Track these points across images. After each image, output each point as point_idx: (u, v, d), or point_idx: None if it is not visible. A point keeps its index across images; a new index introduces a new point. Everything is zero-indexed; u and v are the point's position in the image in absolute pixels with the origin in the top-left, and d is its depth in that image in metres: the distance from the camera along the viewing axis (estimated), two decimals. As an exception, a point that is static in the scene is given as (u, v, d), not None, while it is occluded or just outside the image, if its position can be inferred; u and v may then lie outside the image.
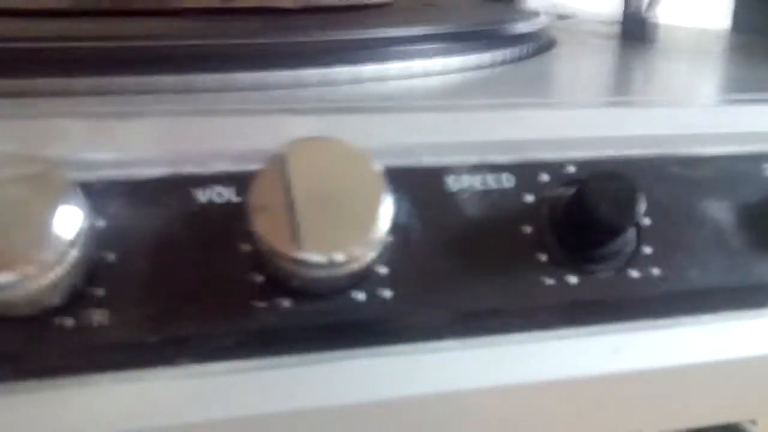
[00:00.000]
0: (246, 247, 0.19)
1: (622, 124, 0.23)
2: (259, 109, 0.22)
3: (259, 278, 0.19)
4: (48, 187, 0.17)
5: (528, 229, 0.20)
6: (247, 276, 0.19)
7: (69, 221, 0.17)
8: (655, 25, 0.44)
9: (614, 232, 0.20)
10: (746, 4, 0.60)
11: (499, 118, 0.22)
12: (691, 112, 0.24)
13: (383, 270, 0.19)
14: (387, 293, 0.19)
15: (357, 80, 0.27)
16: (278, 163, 0.18)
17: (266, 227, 0.17)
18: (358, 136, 0.21)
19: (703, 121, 0.23)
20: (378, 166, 0.18)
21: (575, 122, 0.23)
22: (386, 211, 0.18)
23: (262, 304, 0.19)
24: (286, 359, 0.19)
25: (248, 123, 0.21)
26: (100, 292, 0.18)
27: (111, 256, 0.18)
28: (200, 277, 0.19)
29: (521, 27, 0.36)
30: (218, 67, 0.25)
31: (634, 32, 0.44)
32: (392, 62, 0.28)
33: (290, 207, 0.17)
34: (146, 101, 0.23)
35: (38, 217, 0.16)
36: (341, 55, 0.27)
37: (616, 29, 0.46)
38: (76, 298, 0.18)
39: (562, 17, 0.61)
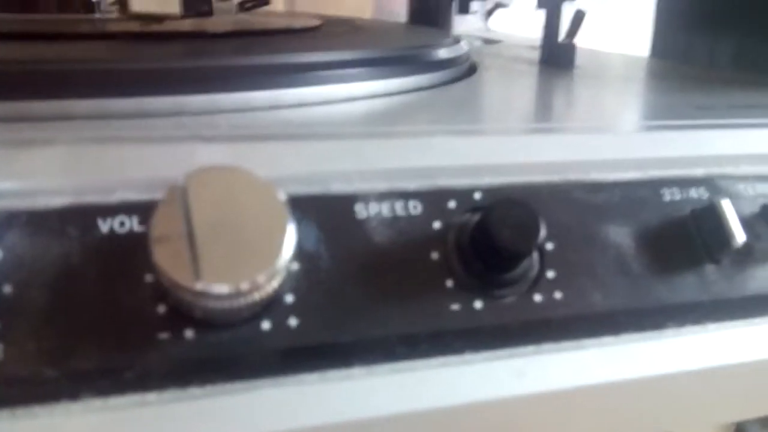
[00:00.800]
0: (149, 278, 0.19)
1: (528, 150, 0.24)
2: (166, 136, 0.22)
3: (162, 309, 0.19)
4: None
5: (435, 255, 0.21)
6: (150, 307, 0.18)
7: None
8: (575, 50, 0.45)
9: (516, 257, 0.20)
10: (664, 31, 0.62)
11: (409, 145, 0.23)
12: (594, 139, 0.24)
13: (289, 298, 0.19)
14: (293, 321, 0.19)
15: (274, 106, 0.27)
16: (178, 193, 0.18)
17: (166, 258, 0.17)
18: (266, 164, 0.21)
19: (605, 148, 0.24)
20: (282, 195, 0.18)
21: (484, 149, 0.23)
22: (289, 239, 0.18)
23: (165, 336, 0.18)
24: (192, 391, 0.18)
25: (154, 151, 0.21)
26: (-5, 325, 0.18)
27: (7, 289, 0.18)
28: (102, 308, 0.18)
29: (442, 53, 0.36)
30: (130, 92, 0.25)
31: (555, 57, 0.45)
32: (309, 87, 0.28)
33: (190, 237, 0.17)
34: (55, 128, 0.23)
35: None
36: (257, 80, 0.27)
37: (540, 54, 0.47)
38: (-30, 333, 0.17)
39: (488, 41, 0.62)
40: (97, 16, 0.44)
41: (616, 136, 0.25)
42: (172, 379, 0.18)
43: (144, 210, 0.19)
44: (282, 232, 0.17)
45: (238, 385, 0.19)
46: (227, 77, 0.27)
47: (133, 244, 0.19)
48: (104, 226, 0.19)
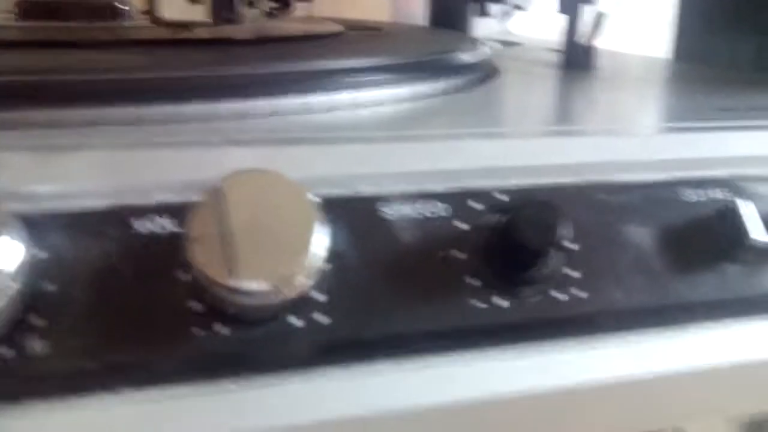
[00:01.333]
0: (185, 277, 0.19)
1: (552, 153, 0.24)
2: (200, 141, 0.22)
3: (198, 306, 0.19)
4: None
5: (461, 255, 0.21)
6: (186, 304, 0.19)
7: (10, 254, 0.17)
8: (596, 53, 0.45)
9: (538, 254, 0.21)
10: (687, 33, 0.62)
11: (434, 148, 0.23)
12: (615, 141, 0.25)
13: (320, 297, 0.20)
14: (324, 319, 0.20)
15: (303, 111, 0.28)
16: (215, 195, 0.18)
17: (203, 258, 0.18)
18: (296, 167, 0.22)
19: (626, 150, 0.25)
20: (312, 197, 0.19)
21: (508, 152, 0.24)
22: (320, 239, 0.18)
23: (200, 332, 0.19)
24: (225, 385, 0.19)
25: (189, 155, 0.22)
26: (40, 322, 0.18)
27: (51, 287, 0.19)
28: (140, 306, 0.19)
29: (465, 57, 0.37)
30: (164, 99, 0.26)
31: (576, 60, 0.45)
32: (337, 93, 0.29)
33: (226, 238, 0.18)
34: (91, 134, 0.24)
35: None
36: (286, 87, 0.28)
37: (560, 57, 0.48)
38: (16, 329, 0.18)
39: (508, 44, 0.62)
40: (127, 24, 0.45)
41: (637, 138, 0.25)
42: (206, 372, 0.19)
43: (179, 211, 0.20)
44: (313, 233, 0.18)
45: (268, 379, 0.19)
46: (257, 84, 0.27)
47: (169, 244, 0.20)
48: (141, 227, 0.20)
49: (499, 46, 0.61)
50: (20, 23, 0.43)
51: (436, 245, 0.21)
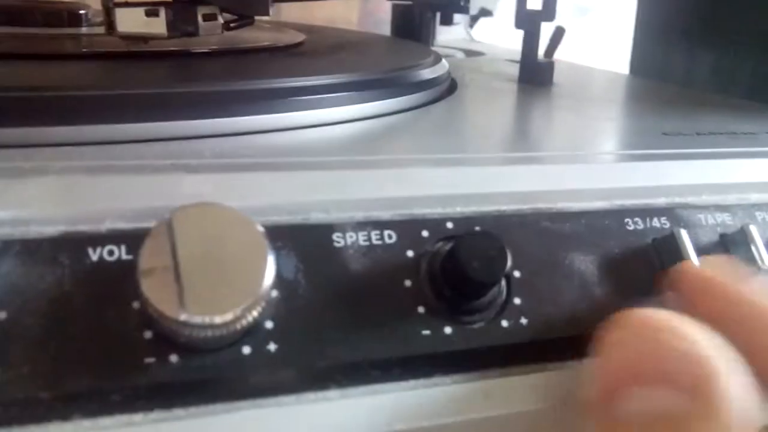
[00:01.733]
0: (136, 305, 0.20)
1: (499, 180, 0.25)
2: (153, 166, 0.23)
3: (149, 334, 0.20)
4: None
5: (408, 283, 0.22)
6: (138, 333, 0.20)
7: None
8: (552, 69, 0.46)
9: (484, 287, 0.21)
10: (643, 47, 0.64)
11: (385, 175, 0.24)
12: (562, 169, 0.26)
13: (269, 324, 0.20)
14: (272, 346, 0.20)
15: (254, 131, 0.28)
16: (165, 227, 0.19)
17: (153, 290, 0.18)
18: (247, 194, 0.22)
19: (572, 178, 0.26)
20: (261, 228, 0.20)
21: (456, 179, 0.24)
22: (269, 272, 0.19)
23: (151, 360, 0.19)
24: (176, 412, 0.20)
25: (142, 182, 0.22)
26: (-10, 351, 0.19)
27: (2, 315, 0.19)
28: (92, 334, 0.19)
29: (424, 74, 0.38)
30: (113, 118, 0.26)
31: (533, 76, 0.46)
32: (290, 113, 0.29)
33: (175, 270, 0.18)
34: (44, 155, 0.24)
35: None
36: (238, 106, 0.28)
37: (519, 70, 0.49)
38: (-34, 357, 0.18)
39: (470, 53, 0.63)
40: (84, 30, 0.45)
41: (584, 167, 0.26)
42: (158, 401, 0.19)
43: (132, 239, 0.21)
44: (262, 265, 0.19)
45: (219, 407, 0.20)
46: (212, 102, 0.28)
47: (121, 272, 0.20)
48: (94, 255, 0.20)
49: (461, 55, 0.62)
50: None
51: (384, 273, 0.22)
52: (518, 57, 0.56)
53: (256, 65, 0.36)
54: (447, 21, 0.62)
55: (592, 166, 0.26)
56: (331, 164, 0.24)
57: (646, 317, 0.19)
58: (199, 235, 0.19)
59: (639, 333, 0.19)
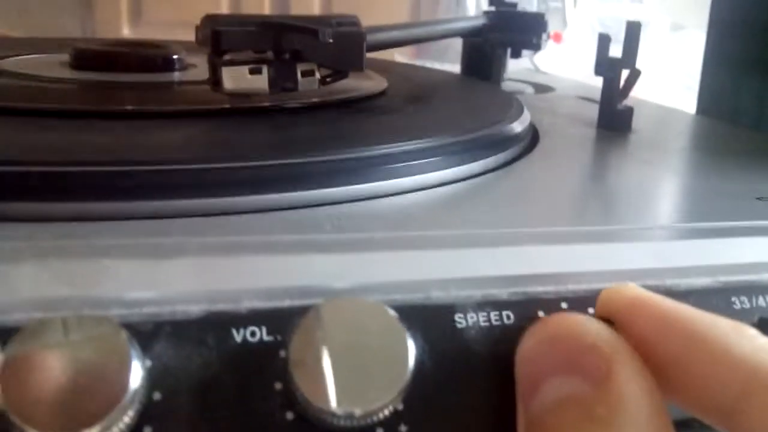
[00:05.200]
0: (278, 386, 0.21)
1: (605, 258, 0.26)
2: (282, 243, 0.24)
3: (290, 416, 0.21)
4: (115, 346, 0.19)
5: (527, 365, 0.23)
6: (280, 414, 0.21)
7: (135, 374, 0.19)
8: (631, 115, 0.47)
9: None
10: (712, 83, 0.64)
11: (502, 253, 0.25)
12: (669, 246, 0.27)
13: (399, 406, 0.22)
14: (403, 428, 0.21)
15: (355, 198, 0.29)
16: (313, 320, 0.20)
17: (304, 381, 0.19)
18: (371, 273, 0.23)
19: (679, 254, 0.26)
20: (394, 313, 0.21)
21: (568, 257, 0.25)
22: (411, 362, 0.20)
23: (294, 441, 0.21)
24: (315, 489, 0.21)
25: (274, 261, 0.23)
26: (148, 430, 0.20)
27: (157, 396, 0.20)
28: (238, 414, 0.21)
29: (513, 128, 0.38)
30: (236, 191, 0.27)
31: (612, 122, 0.47)
32: (389, 180, 0.30)
33: (324, 362, 0.19)
34: (177, 228, 0.25)
35: (114, 375, 0.18)
36: (347, 176, 0.29)
37: (594, 107, 0.49)
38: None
39: (539, 89, 0.64)
40: (176, 75, 0.46)
41: (689, 243, 0.27)
42: (298, 478, 0.21)
43: (271, 320, 0.22)
44: (404, 356, 0.20)
45: (355, 486, 0.21)
46: (320, 174, 0.29)
47: (263, 353, 0.21)
48: (238, 336, 0.22)
49: (530, 89, 0.63)
50: (73, 74, 0.45)
51: (504, 354, 0.23)
52: (589, 92, 0.56)
53: (355, 125, 0.37)
54: (516, 55, 0.63)
55: (697, 241, 0.27)
56: (445, 240, 0.25)
57: (559, 319, 0.22)
58: (345, 326, 0.20)
59: (554, 333, 0.22)
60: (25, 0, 1.11)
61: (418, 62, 0.91)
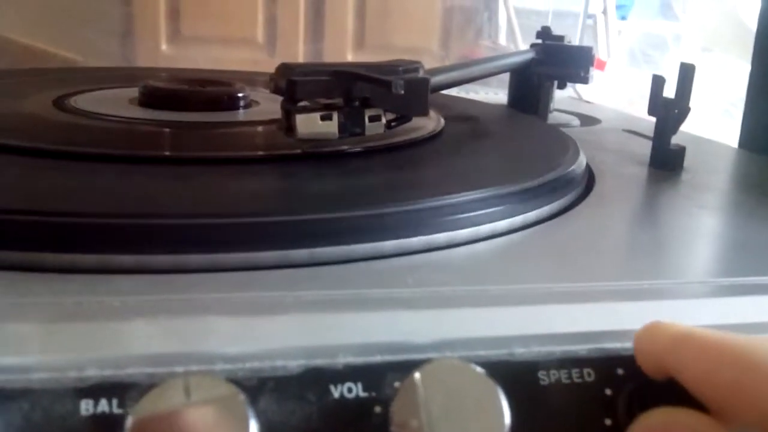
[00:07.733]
0: (377, 442, 0.22)
1: (684, 313, 0.27)
2: (371, 300, 0.26)
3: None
4: (234, 409, 0.20)
5: (608, 422, 0.24)
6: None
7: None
8: (683, 155, 0.48)
9: None
10: (756, 117, 0.64)
11: (580, 309, 0.26)
12: (750, 300, 0.27)
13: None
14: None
15: (423, 249, 0.31)
16: (413, 382, 0.21)
17: (406, 442, 0.21)
18: (456, 328, 0.25)
19: (755, 308, 0.27)
20: (481, 371, 0.22)
21: (642, 313, 0.26)
22: (507, 422, 0.21)
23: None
24: None
25: (365, 318, 0.25)
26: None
27: (265, 452, 0.22)
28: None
29: (572, 173, 0.39)
30: (323, 242, 0.29)
31: (664, 161, 0.48)
32: (451, 231, 0.32)
33: (425, 424, 0.21)
34: (271, 280, 0.27)
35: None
36: (420, 226, 0.31)
37: (642, 141, 0.50)
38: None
39: (585, 121, 0.65)
40: (241, 113, 0.48)
41: (761, 298, 0.28)
42: None
43: (365, 376, 0.23)
44: (500, 419, 0.21)
45: None
46: (395, 225, 0.30)
47: (359, 410, 0.23)
48: (336, 392, 0.23)
49: (576, 122, 0.64)
50: (144, 113, 0.46)
51: (587, 412, 0.24)
52: (633, 124, 0.57)
53: (421, 173, 0.38)
54: (562, 86, 0.64)
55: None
56: (523, 295, 0.26)
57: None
58: (443, 388, 0.21)
59: None
60: (66, 17, 1.15)
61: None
